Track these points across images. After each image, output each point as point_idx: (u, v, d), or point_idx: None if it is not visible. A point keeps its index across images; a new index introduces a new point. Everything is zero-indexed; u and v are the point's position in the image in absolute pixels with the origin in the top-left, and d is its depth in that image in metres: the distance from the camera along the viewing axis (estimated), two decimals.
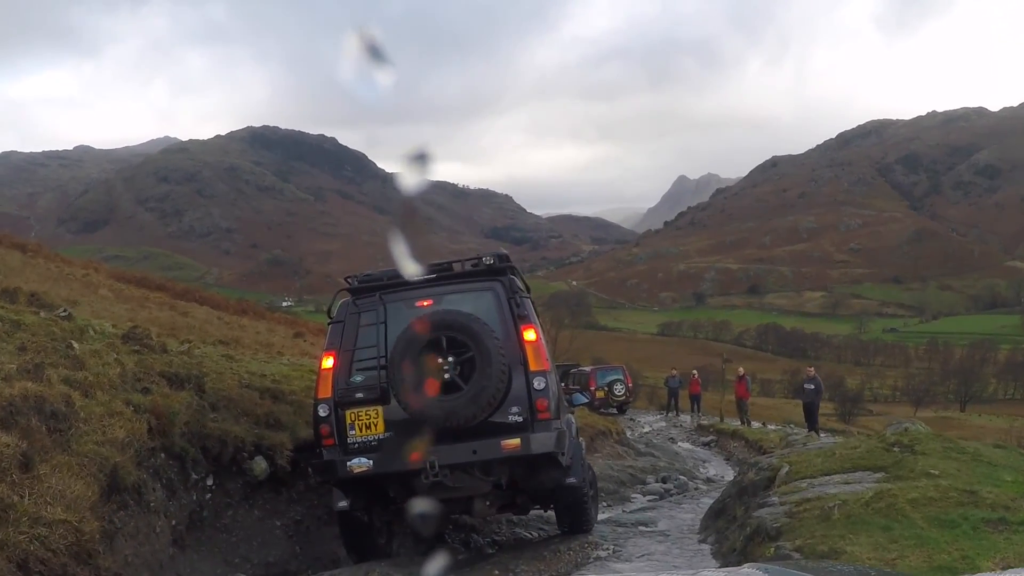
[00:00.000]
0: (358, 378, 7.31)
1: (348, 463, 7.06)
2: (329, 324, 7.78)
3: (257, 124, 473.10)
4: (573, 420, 8.28)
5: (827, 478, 7.12)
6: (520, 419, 7.06)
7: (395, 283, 7.54)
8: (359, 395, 7.22)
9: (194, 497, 7.53)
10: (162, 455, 7.12)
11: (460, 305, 7.36)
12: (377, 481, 7.27)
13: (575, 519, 8.14)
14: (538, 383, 7.11)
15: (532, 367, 7.13)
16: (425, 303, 7.49)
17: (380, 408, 7.19)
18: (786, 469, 7.62)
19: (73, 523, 4.21)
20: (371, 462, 7.02)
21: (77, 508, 4.42)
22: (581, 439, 10.25)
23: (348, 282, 7.98)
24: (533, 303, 8.22)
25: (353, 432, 7.22)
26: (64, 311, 9.21)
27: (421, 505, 6.27)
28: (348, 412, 7.24)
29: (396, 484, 7.37)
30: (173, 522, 6.98)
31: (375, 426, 7.19)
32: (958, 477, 6.62)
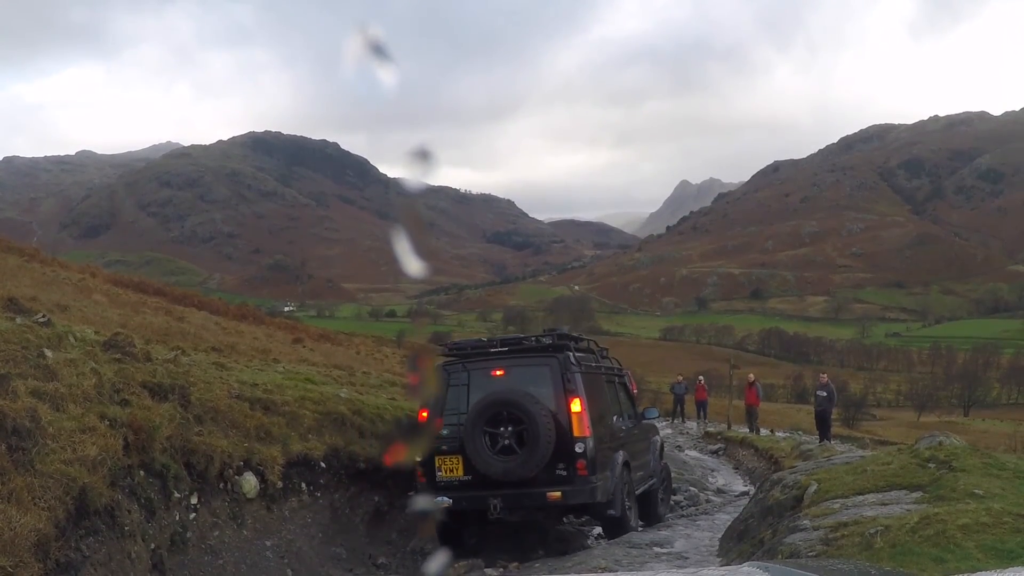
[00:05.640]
0: (444, 431, 9.11)
1: (435, 500, 8.59)
2: None
3: (259, 129, 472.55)
4: (621, 457, 9.75)
5: (860, 498, 6.57)
6: (564, 473, 8.85)
7: (476, 353, 9.66)
8: (444, 447, 9.11)
9: (176, 517, 6.98)
10: (140, 473, 6.59)
11: (524, 376, 9.32)
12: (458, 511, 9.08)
13: (614, 530, 9.65)
14: (579, 447, 8.87)
15: (575, 433, 8.89)
16: (499, 372, 9.40)
17: (460, 457, 9.07)
18: (814, 487, 7.07)
19: (8, 569, 3.66)
20: (451, 501, 8.79)
21: (14, 550, 3.86)
22: (658, 443, 12.66)
23: (441, 347, 10.23)
24: (606, 365, 10.87)
25: (440, 473, 9.17)
26: (43, 316, 8.67)
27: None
28: (436, 457, 9.17)
29: (471, 512, 9.18)
30: (152, 546, 6.44)
31: (456, 470, 9.12)
32: (1005, 498, 6.07)
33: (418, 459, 8.89)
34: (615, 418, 10.48)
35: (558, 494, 8.78)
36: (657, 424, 14.09)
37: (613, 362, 11.63)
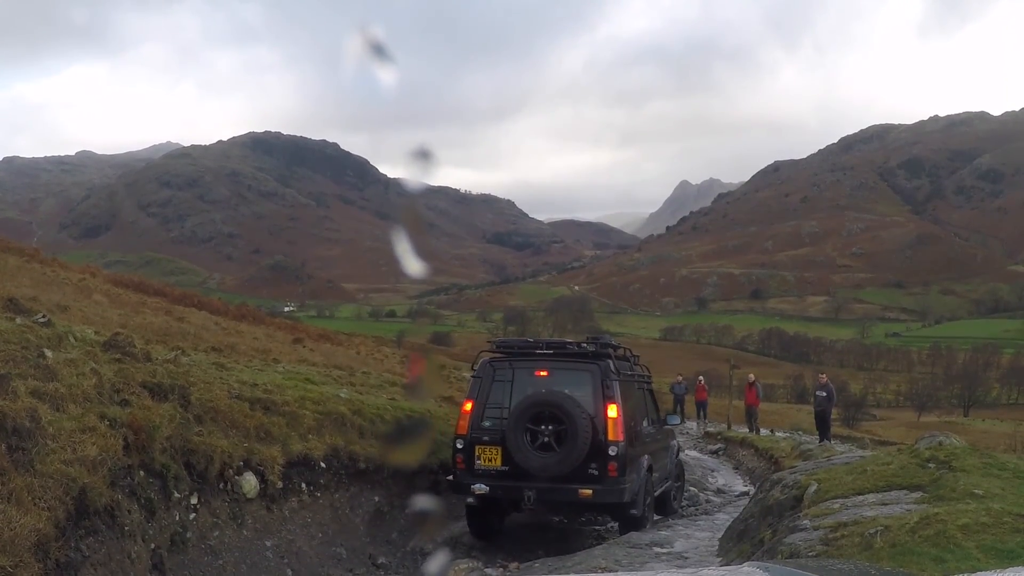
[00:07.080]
0: (487, 423, 9.79)
1: (472, 485, 9.50)
2: (471, 377, 10.38)
3: (259, 129, 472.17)
4: (645, 461, 10.25)
5: (860, 498, 6.57)
6: (596, 473, 9.36)
7: (523, 353, 10.31)
8: (485, 437, 9.70)
9: (176, 517, 6.97)
10: (140, 473, 6.58)
11: (566, 379, 9.86)
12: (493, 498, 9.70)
13: (630, 527, 9.95)
14: (612, 450, 9.41)
15: (610, 437, 9.44)
16: (543, 373, 9.95)
17: (500, 448, 9.58)
18: (814, 487, 7.07)
19: (8, 569, 3.66)
20: (488, 488, 9.47)
21: (14, 550, 3.86)
22: (675, 447, 13.19)
23: (491, 343, 10.88)
24: (638, 372, 11.51)
25: (479, 462, 9.67)
26: (43, 317, 8.68)
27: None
28: (477, 447, 9.71)
29: (506, 501, 9.90)
30: (152, 546, 6.43)
31: (495, 460, 9.62)
32: (1005, 498, 6.07)
33: (458, 446, 9.73)
34: (643, 423, 11.01)
35: (589, 492, 9.30)
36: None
37: (644, 369, 12.31)
